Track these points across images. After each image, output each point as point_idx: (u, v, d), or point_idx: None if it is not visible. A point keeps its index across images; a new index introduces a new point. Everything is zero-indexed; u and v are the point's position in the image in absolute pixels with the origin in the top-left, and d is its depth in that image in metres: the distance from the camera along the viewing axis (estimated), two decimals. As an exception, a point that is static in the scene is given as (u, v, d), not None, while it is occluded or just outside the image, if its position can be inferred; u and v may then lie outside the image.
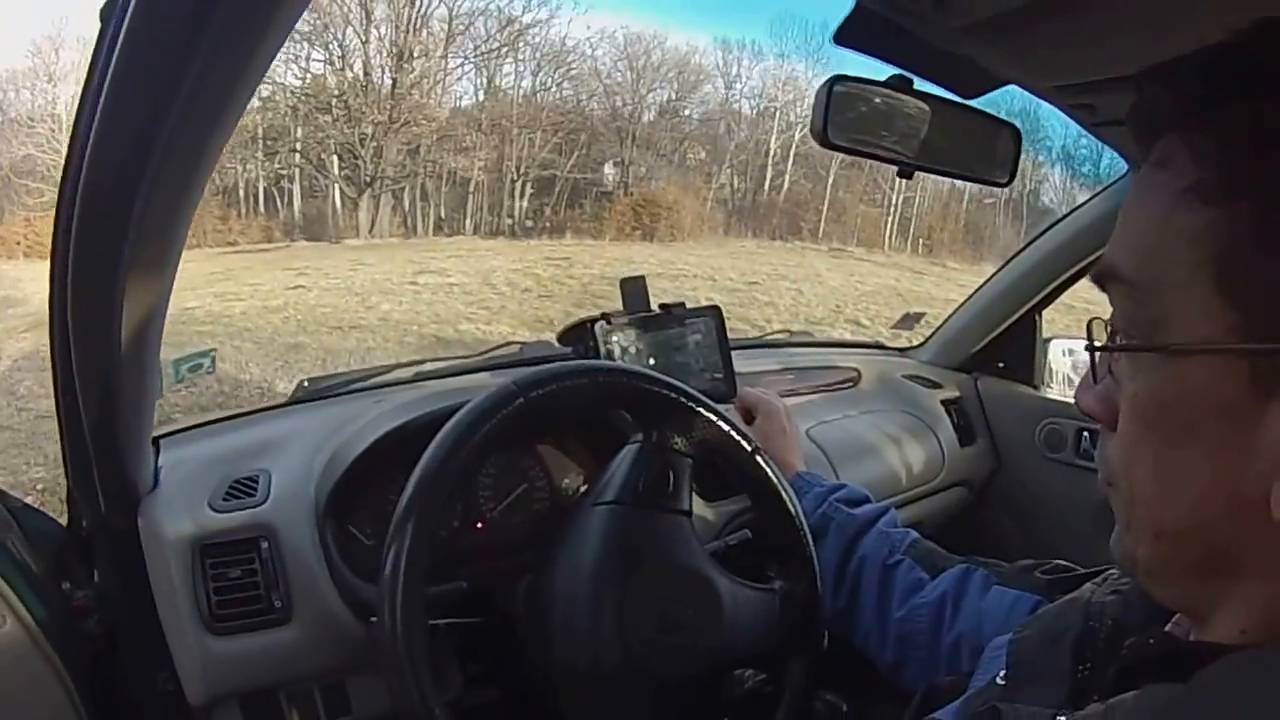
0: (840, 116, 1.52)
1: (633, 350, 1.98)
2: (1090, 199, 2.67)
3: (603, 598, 1.32)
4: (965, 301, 3.17)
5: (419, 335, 11.51)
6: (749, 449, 1.55)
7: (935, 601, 1.47)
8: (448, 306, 13.82)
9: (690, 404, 1.51)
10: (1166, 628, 0.85)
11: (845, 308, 16.94)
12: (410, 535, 1.24)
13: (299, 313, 13.12)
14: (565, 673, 1.33)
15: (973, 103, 1.54)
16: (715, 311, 2.19)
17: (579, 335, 2.11)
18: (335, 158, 39.76)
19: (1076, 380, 2.86)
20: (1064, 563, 1.37)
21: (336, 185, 40.15)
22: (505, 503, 1.76)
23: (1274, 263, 0.65)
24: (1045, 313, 3.03)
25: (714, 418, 1.53)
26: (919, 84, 1.45)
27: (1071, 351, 3.11)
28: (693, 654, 1.37)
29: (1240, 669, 0.67)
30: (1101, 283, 0.79)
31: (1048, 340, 3.10)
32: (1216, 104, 0.72)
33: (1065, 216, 2.76)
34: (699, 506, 1.62)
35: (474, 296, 15.15)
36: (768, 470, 1.55)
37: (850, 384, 2.83)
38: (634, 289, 2.04)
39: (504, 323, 12.65)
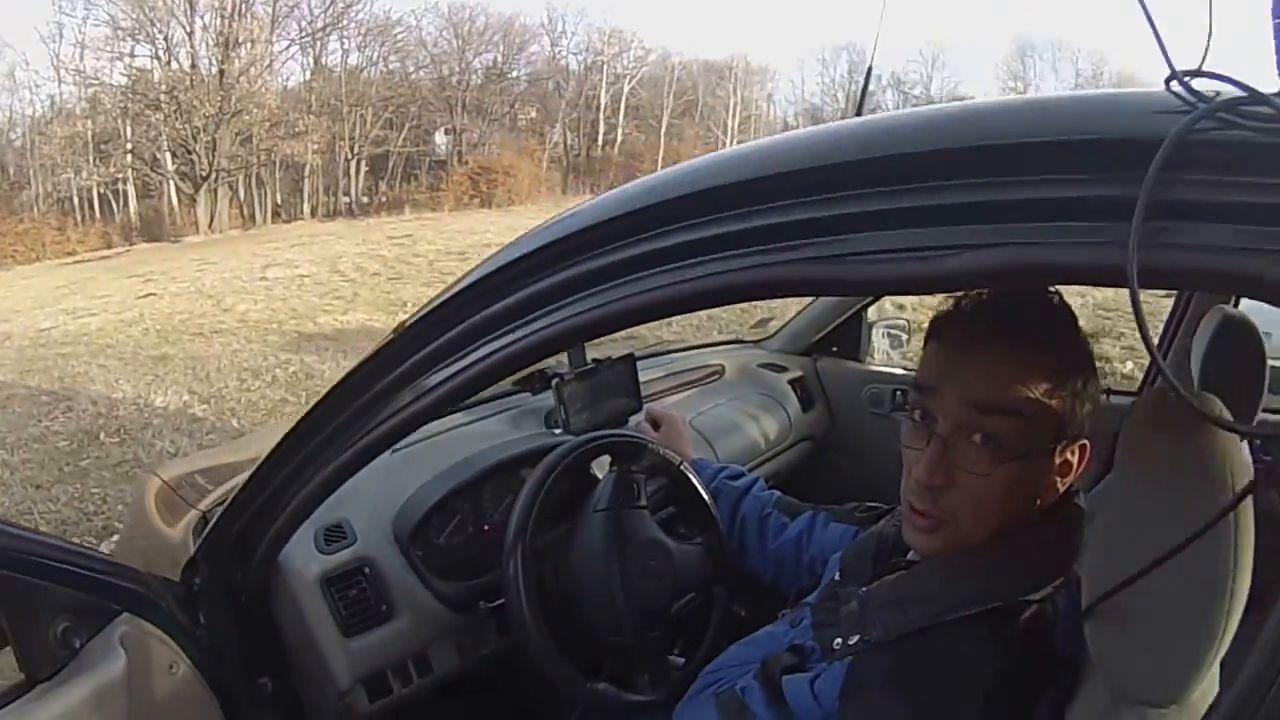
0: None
1: (581, 399, 2.69)
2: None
3: (610, 563, 2.09)
4: (807, 305, 4.07)
5: (281, 333, 11.59)
6: (676, 463, 2.36)
7: (795, 537, 2.16)
8: (302, 300, 13.84)
9: (642, 445, 2.35)
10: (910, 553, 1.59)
11: None
12: (519, 552, 2.03)
13: (156, 322, 13.03)
14: (599, 614, 2.10)
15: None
16: (629, 358, 2.91)
17: (529, 380, 2.91)
18: (169, 155, 38.58)
19: (892, 355, 3.82)
20: (873, 504, 2.09)
21: (172, 182, 39.03)
22: (500, 510, 2.44)
23: None
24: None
25: (653, 449, 2.36)
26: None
27: (889, 333, 4.09)
28: (661, 586, 2.15)
29: (930, 565, 1.48)
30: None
31: (872, 324, 4.05)
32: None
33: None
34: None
35: (325, 286, 15.18)
36: (688, 475, 2.34)
37: (716, 377, 3.66)
38: (576, 351, 2.75)
39: (360, 310, 12.79)
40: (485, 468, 2.39)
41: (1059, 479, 1.42)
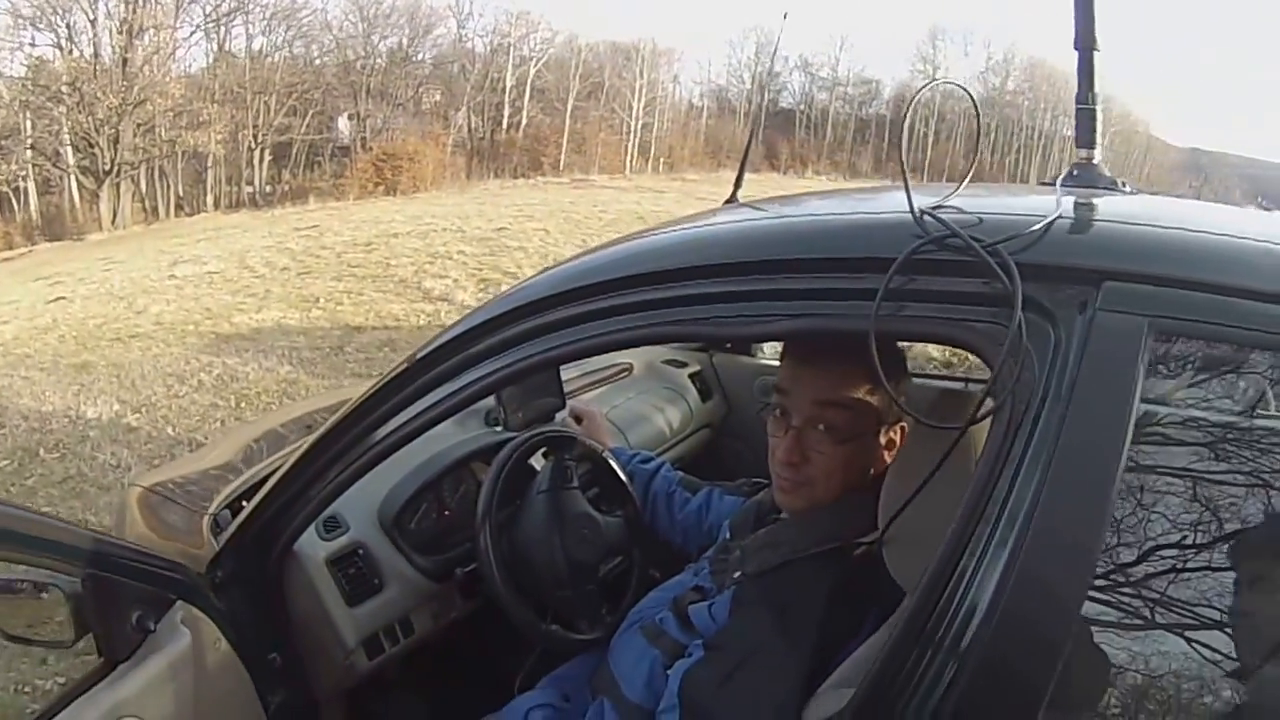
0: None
1: (515, 400, 3.29)
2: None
3: (552, 533, 2.59)
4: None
5: (198, 335, 11.66)
6: (599, 451, 2.92)
7: (696, 509, 2.80)
8: (214, 299, 13.80)
9: (572, 438, 2.90)
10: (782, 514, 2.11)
11: (591, 241, 17.24)
12: (486, 528, 2.55)
13: (72, 329, 12.93)
14: (545, 573, 2.57)
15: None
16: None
17: None
18: (70, 149, 37.83)
19: (778, 349, 4.38)
20: (756, 480, 2.61)
21: (73, 178, 38.22)
22: (457, 498, 3.00)
23: None
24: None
25: (580, 440, 2.92)
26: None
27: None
28: (593, 551, 2.66)
29: (792, 519, 2.05)
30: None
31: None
32: None
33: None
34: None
35: (236, 283, 15.12)
36: (609, 461, 2.91)
37: (626, 374, 4.21)
38: None
39: (273, 307, 12.82)
40: (445, 465, 2.90)
41: (886, 453, 2.01)
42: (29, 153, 38.77)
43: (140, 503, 2.78)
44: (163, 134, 39.67)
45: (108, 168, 37.38)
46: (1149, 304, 1.27)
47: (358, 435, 2.09)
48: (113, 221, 36.79)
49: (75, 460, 7.53)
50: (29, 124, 38.62)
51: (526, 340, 1.81)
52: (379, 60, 49.21)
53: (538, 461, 2.87)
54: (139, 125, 38.34)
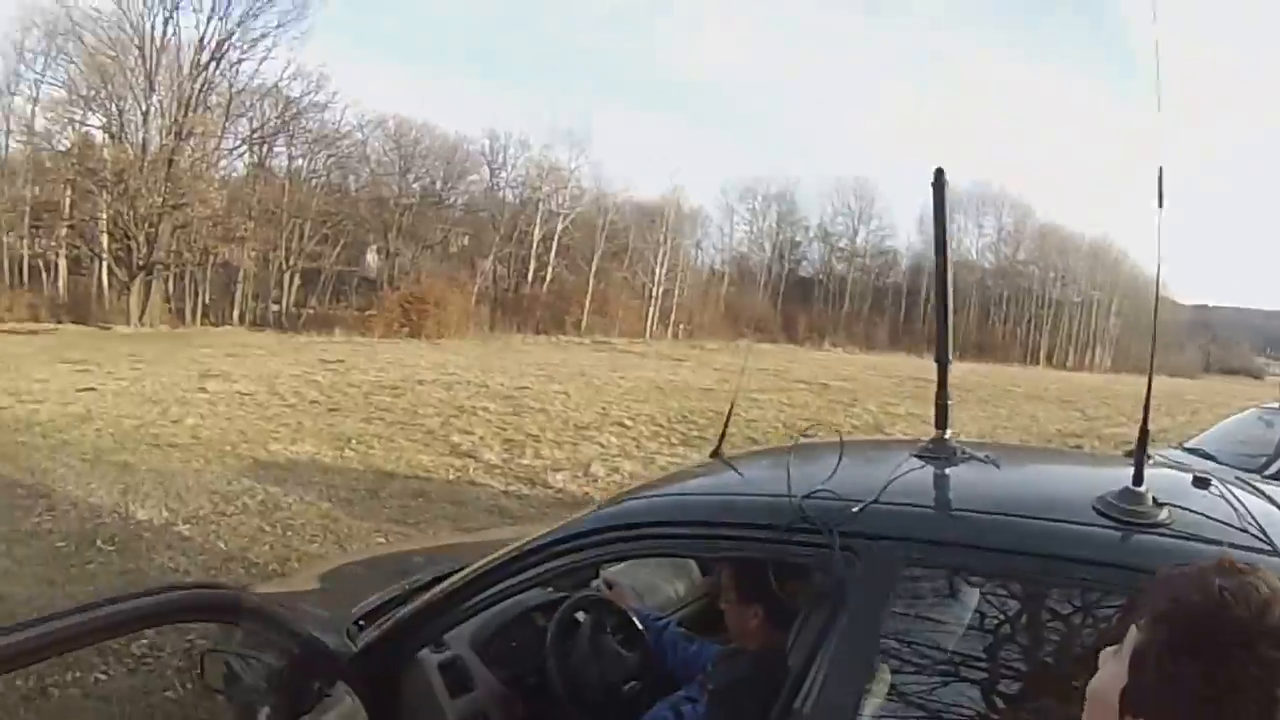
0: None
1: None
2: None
3: (592, 663, 3.54)
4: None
5: (236, 456, 11.86)
6: (625, 611, 3.73)
7: (693, 654, 3.65)
8: (248, 422, 14.10)
9: (606, 600, 3.82)
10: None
11: (610, 409, 17.69)
12: (553, 657, 3.54)
13: (108, 424, 13.21)
14: (588, 688, 3.47)
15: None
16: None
17: None
18: (107, 236, 38.65)
19: None
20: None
21: (106, 265, 39.00)
22: (525, 633, 3.77)
23: None
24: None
25: (614, 602, 3.80)
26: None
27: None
28: (619, 676, 3.53)
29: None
30: None
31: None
32: None
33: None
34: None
35: (268, 410, 15.49)
36: (632, 618, 3.72)
37: None
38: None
39: (307, 441, 13.10)
40: (518, 612, 3.72)
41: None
42: (65, 231, 39.65)
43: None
44: (199, 241, 40.32)
45: (142, 263, 37.97)
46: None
47: (475, 590, 3.10)
48: (140, 317, 37.29)
49: (133, 557, 7.84)
50: (69, 202, 39.55)
51: (595, 549, 2.99)
52: (412, 199, 50.18)
53: (581, 615, 3.71)
54: (177, 227, 39.00)
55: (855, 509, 2.48)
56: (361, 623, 3.36)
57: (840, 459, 2.77)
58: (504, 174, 53.98)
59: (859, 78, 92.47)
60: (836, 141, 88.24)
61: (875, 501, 2.50)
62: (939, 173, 2.93)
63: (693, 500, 3.20)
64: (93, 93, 39.64)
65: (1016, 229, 68.94)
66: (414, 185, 50.87)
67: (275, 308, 44.22)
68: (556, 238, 53.05)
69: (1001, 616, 2.47)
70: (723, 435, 3.78)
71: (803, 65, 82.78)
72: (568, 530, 3.04)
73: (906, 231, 66.38)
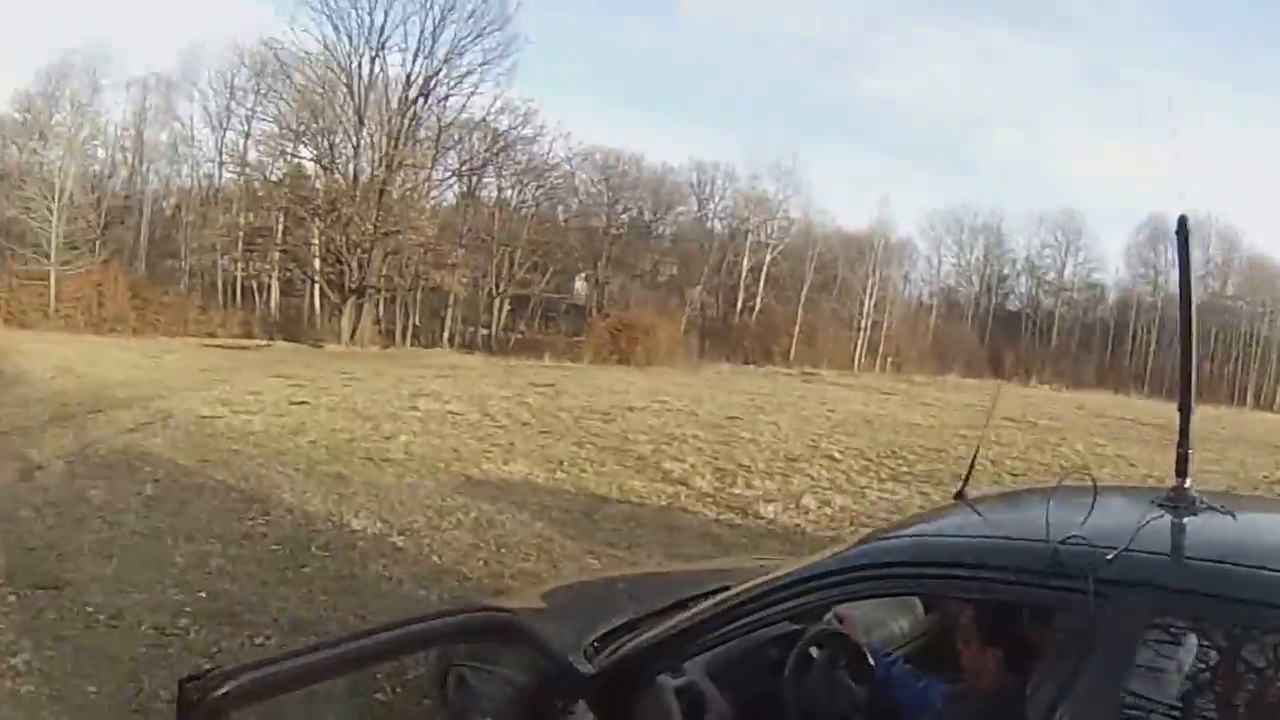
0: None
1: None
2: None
3: (826, 691, 3.59)
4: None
5: (449, 474, 11.88)
6: (856, 644, 3.75)
7: (921, 689, 3.72)
8: (460, 441, 14.15)
9: (840, 634, 3.76)
10: None
11: (820, 442, 17.37)
12: (790, 684, 3.54)
13: (321, 437, 13.43)
14: (823, 714, 3.52)
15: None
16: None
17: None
18: (319, 260, 40.15)
19: None
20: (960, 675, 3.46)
21: (318, 287, 40.64)
22: (758, 663, 3.81)
23: None
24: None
25: (844, 636, 3.76)
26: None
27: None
28: (848, 705, 3.62)
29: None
30: None
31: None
32: None
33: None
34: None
35: (479, 429, 15.52)
36: (864, 651, 3.75)
37: None
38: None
39: (519, 462, 12.99)
40: (756, 643, 3.64)
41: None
42: (278, 255, 41.26)
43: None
44: (410, 266, 41.48)
45: (354, 285, 39.20)
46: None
47: (722, 621, 3.24)
48: (351, 337, 38.46)
49: (347, 564, 7.86)
50: (280, 227, 41.25)
51: (846, 586, 3.11)
52: (620, 228, 50.66)
53: (814, 649, 3.72)
54: (388, 253, 40.11)
55: (1109, 556, 2.48)
56: (597, 644, 3.45)
57: (1093, 506, 2.76)
58: (711, 205, 54.53)
59: (1064, 104, 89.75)
60: (1043, 171, 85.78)
61: (1127, 549, 2.51)
62: (1182, 220, 2.94)
63: (942, 542, 3.27)
64: (303, 127, 41.39)
65: (1224, 261, 65.31)
66: (622, 215, 51.56)
67: (484, 332, 45.40)
68: (765, 268, 53.16)
69: (1245, 669, 2.51)
70: (967, 478, 4.02)
71: (1007, 93, 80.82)
72: (816, 568, 3.22)
73: (1115, 265, 64.00)
